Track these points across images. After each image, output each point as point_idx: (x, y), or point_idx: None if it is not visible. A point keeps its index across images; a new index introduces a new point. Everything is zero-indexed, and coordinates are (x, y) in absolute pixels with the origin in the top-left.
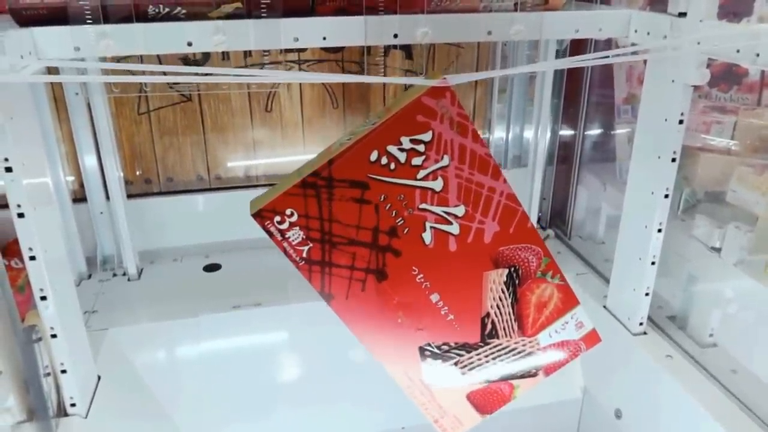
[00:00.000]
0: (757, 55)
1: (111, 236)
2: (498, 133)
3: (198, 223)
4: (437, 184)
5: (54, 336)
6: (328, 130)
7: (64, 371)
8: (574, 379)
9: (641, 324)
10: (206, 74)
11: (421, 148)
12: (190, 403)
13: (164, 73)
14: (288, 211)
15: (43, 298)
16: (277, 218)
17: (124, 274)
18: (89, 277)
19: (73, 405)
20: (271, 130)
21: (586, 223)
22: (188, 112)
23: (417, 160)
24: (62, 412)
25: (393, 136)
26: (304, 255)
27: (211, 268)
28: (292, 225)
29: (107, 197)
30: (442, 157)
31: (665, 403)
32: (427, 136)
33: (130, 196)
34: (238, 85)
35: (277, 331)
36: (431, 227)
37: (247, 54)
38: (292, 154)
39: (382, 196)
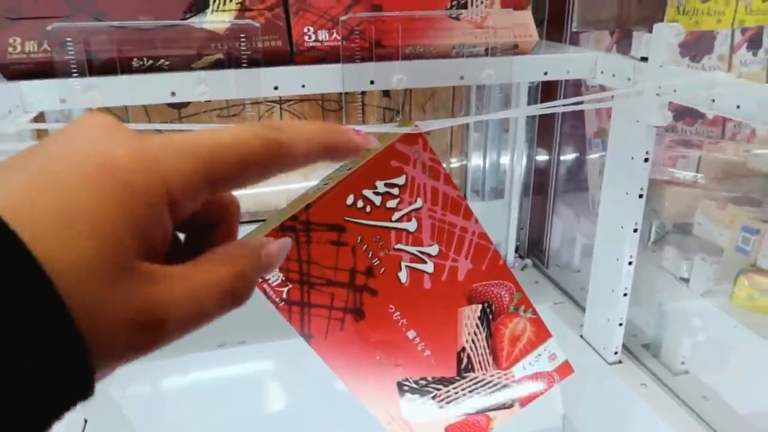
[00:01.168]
0: (713, 101)
1: None
2: (475, 161)
3: None
4: (411, 225)
5: None
6: (312, 165)
7: None
8: (554, 408)
9: (616, 353)
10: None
11: (395, 191)
12: None
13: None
14: None
15: None
16: None
17: None
18: None
19: None
20: None
21: (562, 253)
22: None
23: (392, 203)
24: None
25: (368, 180)
26: (284, 296)
27: None
28: None
29: None
30: (416, 200)
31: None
32: (401, 180)
33: None
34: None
35: (263, 369)
36: (407, 266)
37: None
38: (273, 191)
39: (359, 238)
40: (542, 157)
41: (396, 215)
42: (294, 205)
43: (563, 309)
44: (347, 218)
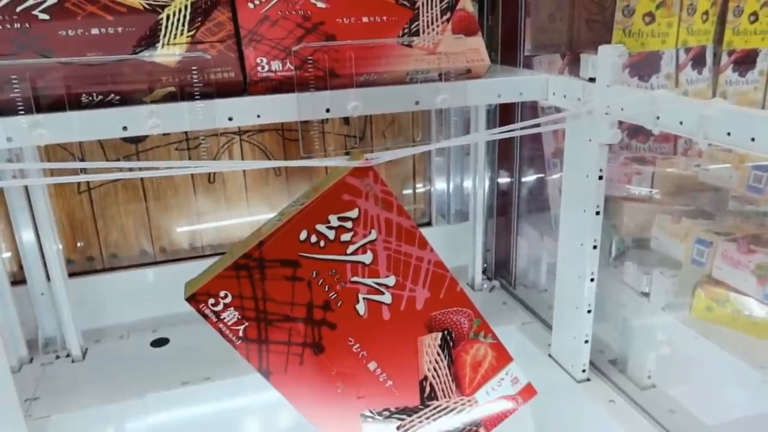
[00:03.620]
0: (658, 117)
1: (53, 317)
2: (439, 185)
3: (144, 298)
4: (367, 258)
5: None
6: (272, 198)
7: None
8: (525, 429)
9: (584, 371)
10: (149, 168)
11: (349, 224)
12: None
13: (119, 170)
14: (222, 293)
15: None
16: (212, 301)
17: (68, 356)
18: (30, 361)
19: None
20: (215, 201)
21: (528, 273)
22: (130, 188)
23: (346, 236)
24: None
25: (321, 215)
26: (241, 334)
27: (159, 342)
28: (226, 306)
29: (48, 278)
30: (370, 232)
31: None
32: (353, 214)
33: (72, 274)
34: (179, 161)
35: (230, 406)
36: (364, 298)
37: None
38: (238, 223)
39: (314, 273)
40: (504, 179)
41: (351, 248)
42: (247, 242)
43: (531, 329)
44: (301, 254)
